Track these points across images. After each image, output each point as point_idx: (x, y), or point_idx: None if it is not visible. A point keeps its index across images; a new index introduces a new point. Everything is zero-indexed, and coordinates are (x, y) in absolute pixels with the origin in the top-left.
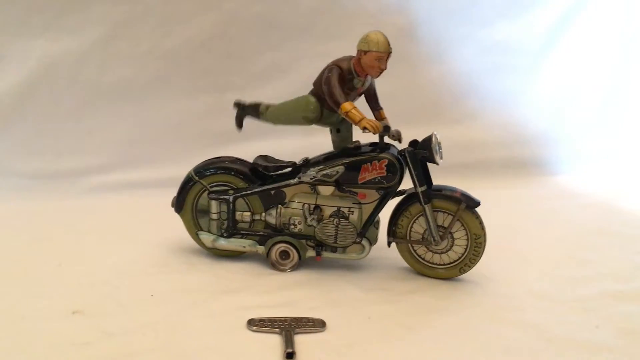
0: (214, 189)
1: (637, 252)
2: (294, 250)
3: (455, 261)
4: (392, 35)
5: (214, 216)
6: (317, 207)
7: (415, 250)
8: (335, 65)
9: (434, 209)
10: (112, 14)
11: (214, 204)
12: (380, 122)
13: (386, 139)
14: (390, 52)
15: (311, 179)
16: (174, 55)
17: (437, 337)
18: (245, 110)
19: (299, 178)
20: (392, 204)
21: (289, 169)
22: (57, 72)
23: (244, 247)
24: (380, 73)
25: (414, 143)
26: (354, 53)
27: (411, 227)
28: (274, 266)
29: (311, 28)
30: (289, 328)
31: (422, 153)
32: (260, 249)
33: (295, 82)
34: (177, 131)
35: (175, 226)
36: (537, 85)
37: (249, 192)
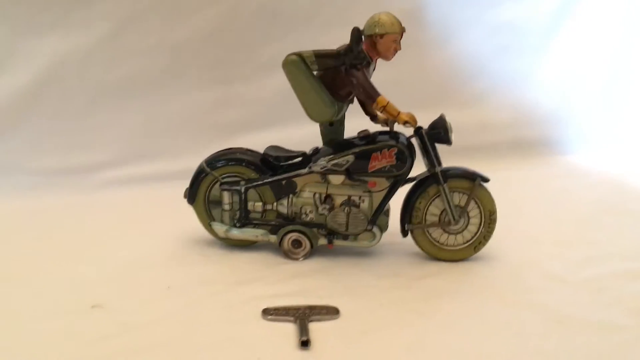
0: (225, 180)
1: None
2: (306, 239)
3: (469, 240)
4: (399, 19)
5: (226, 207)
6: (328, 196)
7: (430, 234)
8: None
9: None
10: (118, 9)
11: (225, 194)
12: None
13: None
14: (404, 31)
15: (322, 168)
16: (181, 49)
17: (449, 322)
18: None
19: (310, 168)
20: (402, 193)
21: (299, 159)
22: (66, 69)
23: (257, 236)
24: (395, 54)
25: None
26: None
27: (427, 209)
28: (287, 255)
29: (315, 17)
30: (303, 316)
31: (437, 133)
32: (273, 238)
33: None
34: (186, 123)
35: (188, 218)
36: (545, 66)
37: (260, 182)
